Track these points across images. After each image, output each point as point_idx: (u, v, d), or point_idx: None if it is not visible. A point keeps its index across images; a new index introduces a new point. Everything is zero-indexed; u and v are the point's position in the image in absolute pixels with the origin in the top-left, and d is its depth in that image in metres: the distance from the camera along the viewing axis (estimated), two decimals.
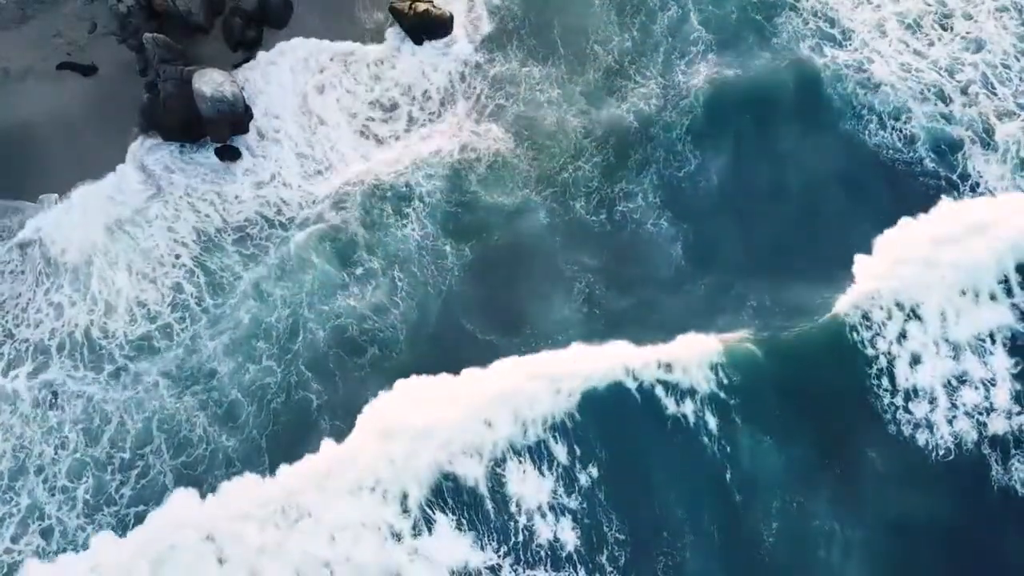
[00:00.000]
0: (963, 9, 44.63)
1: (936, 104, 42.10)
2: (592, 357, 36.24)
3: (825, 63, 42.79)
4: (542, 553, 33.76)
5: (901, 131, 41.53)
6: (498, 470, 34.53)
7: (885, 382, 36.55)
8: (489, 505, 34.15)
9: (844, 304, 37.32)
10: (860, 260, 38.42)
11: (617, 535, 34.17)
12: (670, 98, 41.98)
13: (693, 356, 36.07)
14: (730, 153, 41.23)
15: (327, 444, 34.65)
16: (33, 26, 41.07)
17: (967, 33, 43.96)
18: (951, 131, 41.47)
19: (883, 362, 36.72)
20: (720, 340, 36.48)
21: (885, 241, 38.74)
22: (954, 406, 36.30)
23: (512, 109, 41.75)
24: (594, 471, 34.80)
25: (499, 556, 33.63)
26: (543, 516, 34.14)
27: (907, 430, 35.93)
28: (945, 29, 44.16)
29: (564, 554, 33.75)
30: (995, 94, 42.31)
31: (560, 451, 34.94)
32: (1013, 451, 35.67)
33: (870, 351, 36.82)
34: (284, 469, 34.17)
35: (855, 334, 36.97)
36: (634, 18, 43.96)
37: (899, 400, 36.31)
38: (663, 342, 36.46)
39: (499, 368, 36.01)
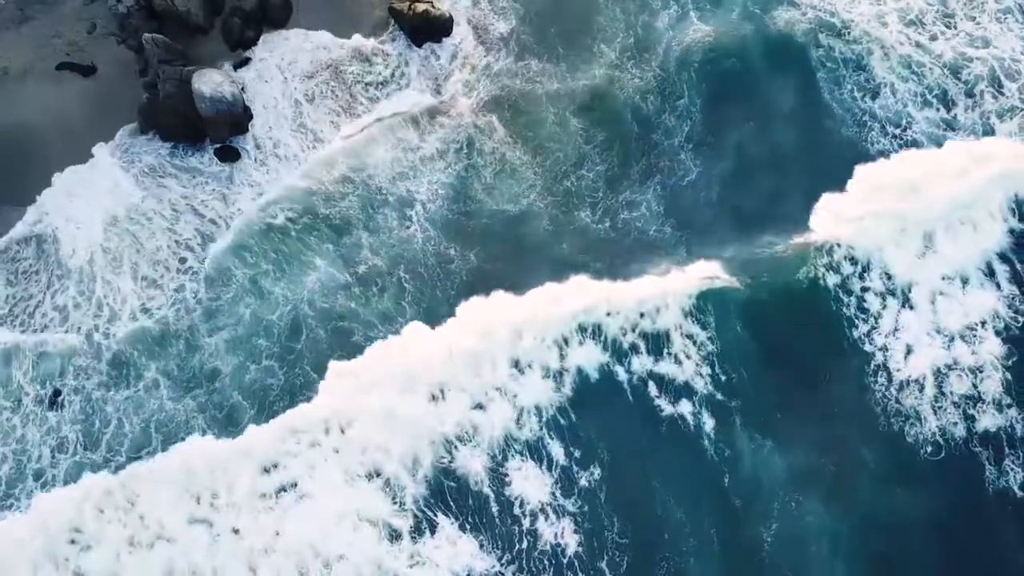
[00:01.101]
0: (965, 11, 44.79)
1: (937, 108, 42.21)
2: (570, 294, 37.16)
3: (822, 56, 43.14)
4: (545, 560, 33.84)
5: (902, 137, 41.82)
6: (500, 469, 34.67)
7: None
8: (493, 505, 34.26)
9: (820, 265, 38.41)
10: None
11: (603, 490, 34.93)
12: (667, 95, 42.24)
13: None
14: (728, 149, 41.58)
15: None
16: (33, 26, 40.89)
17: (970, 33, 44.01)
18: (952, 137, 41.80)
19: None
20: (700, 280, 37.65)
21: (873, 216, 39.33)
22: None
23: (513, 108, 41.78)
24: (590, 456, 35.10)
25: (501, 563, 33.68)
26: (546, 517, 34.17)
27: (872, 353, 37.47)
28: (949, 28, 44.21)
29: (566, 560, 33.88)
30: (1001, 92, 42.39)
31: (557, 449, 35.17)
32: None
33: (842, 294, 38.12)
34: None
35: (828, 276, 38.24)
36: (636, 16, 44.12)
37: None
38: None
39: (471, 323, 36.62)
